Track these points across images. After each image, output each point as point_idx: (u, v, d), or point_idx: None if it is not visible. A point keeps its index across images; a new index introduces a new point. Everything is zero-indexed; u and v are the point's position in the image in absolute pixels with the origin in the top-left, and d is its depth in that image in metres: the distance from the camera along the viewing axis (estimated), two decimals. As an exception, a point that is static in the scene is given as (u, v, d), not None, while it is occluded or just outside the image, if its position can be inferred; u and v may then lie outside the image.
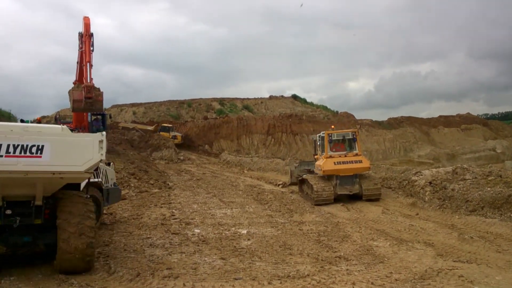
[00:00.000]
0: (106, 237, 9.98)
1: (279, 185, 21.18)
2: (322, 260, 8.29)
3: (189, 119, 62.68)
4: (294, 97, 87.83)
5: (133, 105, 69.73)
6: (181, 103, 71.97)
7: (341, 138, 16.10)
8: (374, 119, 69.62)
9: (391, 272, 7.46)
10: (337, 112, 76.75)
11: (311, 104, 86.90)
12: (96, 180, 10.38)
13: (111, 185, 11.81)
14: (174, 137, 44.92)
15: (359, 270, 7.62)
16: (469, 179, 14.06)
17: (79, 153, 6.76)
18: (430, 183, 14.52)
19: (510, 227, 10.72)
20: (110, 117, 33.38)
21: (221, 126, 56.63)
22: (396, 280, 7.04)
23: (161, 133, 43.92)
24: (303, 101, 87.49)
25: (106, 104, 58.02)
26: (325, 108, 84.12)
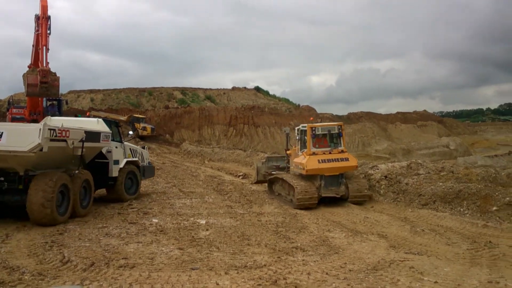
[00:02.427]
0: (60, 226, 9.73)
1: (239, 176, 21.25)
2: (279, 250, 8.41)
3: (150, 108, 61.70)
4: (257, 89, 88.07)
5: (91, 91, 67.80)
6: (141, 91, 70.55)
7: (326, 132, 14.05)
8: (334, 114, 71.01)
9: (345, 263, 7.66)
10: (299, 105, 77.70)
11: (274, 96, 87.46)
12: (134, 159, 14.24)
13: (146, 164, 15.36)
14: (144, 128, 44.38)
15: (314, 261, 7.78)
16: (422, 174, 14.59)
17: (25, 138, 9.05)
18: (386, 177, 14.95)
19: (460, 221, 11.22)
20: (67, 103, 32.38)
21: (183, 116, 56.11)
22: (350, 270, 7.24)
23: (135, 124, 43.47)
24: (266, 93, 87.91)
25: (63, 90, 56.10)
26: (287, 101, 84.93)
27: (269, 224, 10.82)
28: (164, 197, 14.42)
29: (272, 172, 16.11)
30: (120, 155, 13.48)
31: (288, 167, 15.63)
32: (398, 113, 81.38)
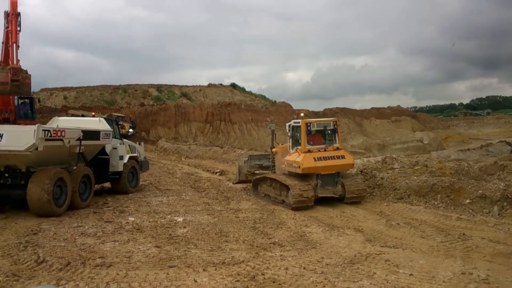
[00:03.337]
0: (34, 226, 9.53)
1: (216, 173, 21.18)
2: (257, 246, 8.43)
3: (125, 105, 60.73)
4: (233, 85, 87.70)
5: (64, 89, 66.30)
6: (116, 88, 69.28)
7: (322, 128, 13.31)
8: (310, 110, 71.43)
9: (323, 257, 7.73)
10: (275, 101, 77.70)
11: (250, 93, 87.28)
12: (135, 154, 15.52)
13: (143, 159, 16.59)
14: (122, 126, 43.64)
15: (292, 256, 7.83)
16: (397, 168, 14.84)
17: (22, 139, 10.14)
18: (361, 171, 15.12)
19: (434, 214, 11.45)
20: (39, 101, 31.51)
21: (159, 113, 55.52)
22: (327, 264, 7.31)
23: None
24: (242, 90, 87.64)
25: (35, 88, 55.07)
26: (263, 97, 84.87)
27: (247, 220, 10.83)
28: (140, 195, 14.27)
29: (255, 172, 15.42)
30: (124, 151, 14.77)
31: (274, 166, 14.90)
32: (373, 108, 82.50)
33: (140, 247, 8.18)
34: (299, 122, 13.23)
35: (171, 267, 7.00)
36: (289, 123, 14.05)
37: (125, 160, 14.63)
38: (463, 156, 42.06)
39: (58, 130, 10.94)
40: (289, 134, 13.78)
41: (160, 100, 66.30)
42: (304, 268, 7.09)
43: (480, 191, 11.70)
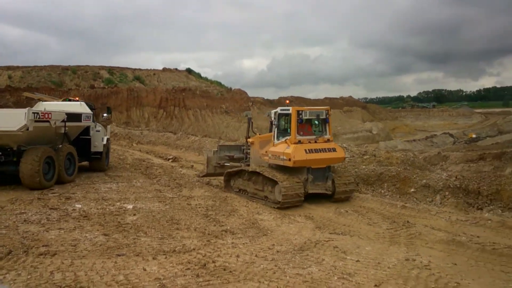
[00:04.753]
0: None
1: (169, 159, 20.87)
2: (208, 234, 8.40)
3: (74, 87, 58.33)
4: (189, 71, 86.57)
5: (8, 68, 62.94)
6: (64, 69, 66.39)
7: (315, 117, 11.94)
8: (266, 98, 71.81)
9: (273, 244, 7.83)
10: (230, 88, 77.43)
11: (206, 79, 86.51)
12: (109, 137, 17.16)
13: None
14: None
15: (243, 243, 7.87)
16: (347, 157, 15.18)
17: (14, 120, 11.46)
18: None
19: (380, 202, 11.84)
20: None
21: (110, 96, 53.87)
22: (277, 251, 7.41)
23: None
24: (198, 75, 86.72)
25: (-24, 66, 51.90)
26: (219, 84, 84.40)
27: (199, 207, 10.76)
28: (88, 181, 13.83)
29: (225, 164, 14.22)
30: (103, 133, 16.38)
31: (248, 158, 13.57)
32: (326, 98, 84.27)
33: (87, 235, 7.94)
34: (288, 110, 11.85)
35: (119, 255, 6.85)
36: (274, 110, 12.52)
37: (104, 141, 16.16)
38: (409, 147, 43.82)
39: (46, 113, 12.36)
40: (274, 123, 12.26)
41: (112, 83, 64.31)
42: (255, 255, 7.15)
43: (424, 181, 12.22)
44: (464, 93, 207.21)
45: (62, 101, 17.43)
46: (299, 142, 11.41)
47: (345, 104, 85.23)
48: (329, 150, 11.65)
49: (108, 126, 18.16)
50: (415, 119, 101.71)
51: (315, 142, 11.70)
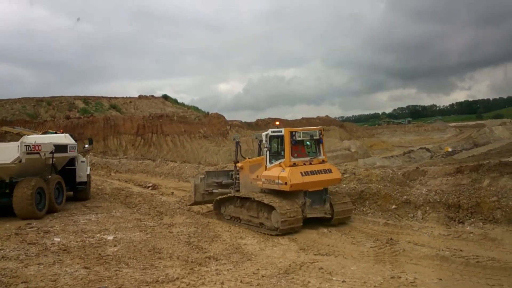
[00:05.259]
0: None
1: (148, 187, 20.62)
2: (192, 262, 8.26)
3: (49, 119, 57.54)
4: (165, 97, 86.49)
5: (-19, 101, 61.81)
6: (39, 100, 65.55)
7: (308, 138, 11.60)
8: (243, 120, 72.11)
9: (258, 269, 7.74)
10: (208, 113, 77.53)
11: (182, 104, 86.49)
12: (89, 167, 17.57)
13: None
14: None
15: (228, 269, 7.76)
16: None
17: (7, 153, 12.02)
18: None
19: (363, 220, 11.89)
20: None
21: (86, 126, 53.24)
22: (262, 276, 7.32)
23: None
24: (174, 101, 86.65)
25: None
26: (196, 109, 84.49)
27: (181, 235, 10.59)
28: (66, 214, 13.49)
29: (213, 191, 13.70)
30: (87, 164, 16.88)
31: (237, 183, 13.13)
32: (303, 118, 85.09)
33: (67, 269, 7.71)
34: (280, 131, 11.46)
35: (101, 289, 6.66)
36: (265, 132, 12.12)
37: (88, 171, 16.72)
38: (387, 163, 44.29)
39: (36, 145, 12.88)
40: (266, 146, 11.80)
41: (87, 113, 63.54)
42: (241, 281, 7.05)
43: (405, 197, 12.34)
44: (437, 108, 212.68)
45: (43, 133, 17.53)
46: (294, 164, 11.02)
47: (322, 123, 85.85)
48: (325, 171, 11.27)
49: (87, 156, 18.27)
50: (391, 135, 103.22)
51: (310, 163, 11.30)
